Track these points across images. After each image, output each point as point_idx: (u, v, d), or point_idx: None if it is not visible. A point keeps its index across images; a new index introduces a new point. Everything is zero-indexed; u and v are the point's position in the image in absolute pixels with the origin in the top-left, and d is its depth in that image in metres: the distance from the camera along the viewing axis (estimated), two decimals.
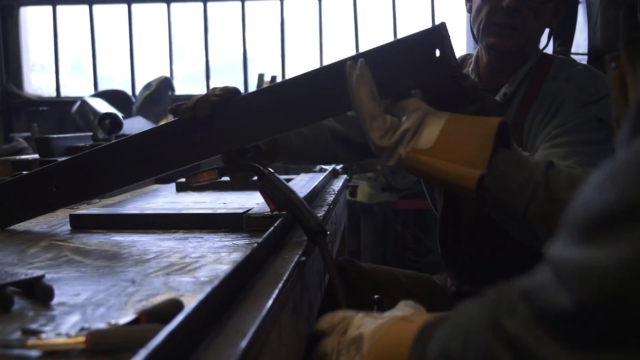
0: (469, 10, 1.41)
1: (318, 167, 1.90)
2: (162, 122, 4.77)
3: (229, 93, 1.00)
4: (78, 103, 4.21)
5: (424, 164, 0.88)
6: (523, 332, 0.42)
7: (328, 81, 0.96)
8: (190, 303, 0.50)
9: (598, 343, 0.39)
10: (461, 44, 4.11)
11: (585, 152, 1.18)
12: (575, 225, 0.41)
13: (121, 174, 1.07)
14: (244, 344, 0.49)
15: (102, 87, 4.77)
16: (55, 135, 1.61)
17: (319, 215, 1.15)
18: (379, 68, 0.92)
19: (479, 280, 1.36)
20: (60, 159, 1.50)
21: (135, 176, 1.08)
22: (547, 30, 1.44)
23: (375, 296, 1.33)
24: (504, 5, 1.27)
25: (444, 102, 0.96)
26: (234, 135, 1.01)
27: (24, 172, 1.37)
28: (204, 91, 4.90)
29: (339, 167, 1.93)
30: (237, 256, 0.84)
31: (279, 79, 4.01)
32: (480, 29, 1.34)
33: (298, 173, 1.72)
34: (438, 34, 0.92)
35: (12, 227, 1.11)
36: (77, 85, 5.33)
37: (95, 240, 0.98)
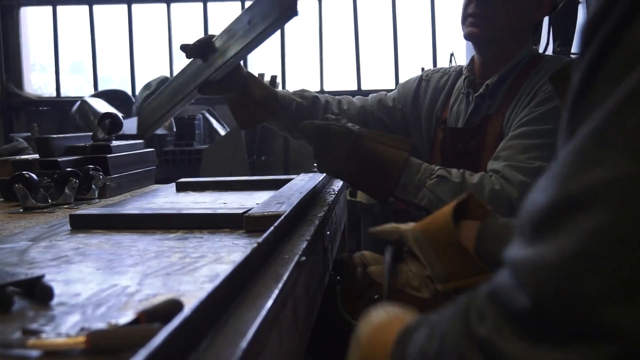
0: None
1: None
2: None
3: (205, 40, 1.40)
4: (78, 103, 4.21)
5: None
6: (493, 335, 0.43)
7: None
8: (190, 303, 0.50)
9: (560, 338, 0.39)
10: (461, 49, 4.10)
11: (545, 145, 1.25)
12: (525, 227, 0.43)
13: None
14: (244, 344, 0.49)
15: (102, 87, 4.77)
16: (55, 135, 1.61)
17: (318, 215, 1.15)
18: None
19: None
20: (60, 160, 1.50)
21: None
22: (545, 31, 1.49)
23: (375, 296, 1.34)
24: None
25: None
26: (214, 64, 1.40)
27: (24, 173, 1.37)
28: None
29: None
30: (237, 256, 0.84)
31: (279, 79, 4.01)
32: (461, 22, 1.42)
33: (298, 173, 1.72)
34: None
35: (11, 227, 1.11)
36: (77, 85, 5.33)
37: (95, 240, 0.98)
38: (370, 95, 1.66)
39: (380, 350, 0.66)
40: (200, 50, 1.40)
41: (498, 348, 0.43)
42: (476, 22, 1.38)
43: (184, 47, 1.42)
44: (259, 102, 1.48)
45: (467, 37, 1.41)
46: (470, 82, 1.47)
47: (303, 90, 1.60)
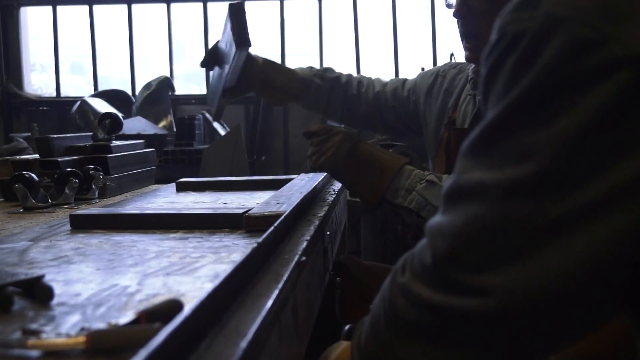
0: None
1: None
2: (162, 123, 4.75)
3: (211, 50, 1.57)
4: (78, 103, 4.21)
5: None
6: (408, 282, 0.58)
7: None
8: (190, 303, 0.50)
9: (451, 289, 0.53)
10: (461, 49, 4.10)
11: None
12: (441, 202, 0.57)
13: None
14: (244, 344, 0.49)
15: (102, 87, 4.77)
16: (55, 135, 1.61)
17: (319, 215, 1.15)
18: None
19: None
20: (60, 160, 1.50)
21: None
22: None
23: (370, 304, 1.35)
24: (453, 15, 1.32)
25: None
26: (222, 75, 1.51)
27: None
28: (204, 91, 4.91)
29: None
30: (237, 256, 0.84)
31: None
32: None
33: (298, 173, 1.72)
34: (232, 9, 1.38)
35: (11, 227, 1.11)
36: (77, 85, 5.33)
37: (95, 240, 0.98)
38: (390, 80, 1.68)
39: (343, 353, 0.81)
40: (211, 61, 1.53)
41: (412, 291, 0.57)
42: (469, 45, 1.35)
43: (201, 64, 1.58)
44: (281, 89, 1.57)
45: (466, 60, 1.42)
46: (474, 83, 1.46)
47: (325, 70, 1.64)
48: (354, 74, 1.68)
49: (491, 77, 0.54)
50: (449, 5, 1.40)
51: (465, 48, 1.37)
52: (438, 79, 1.58)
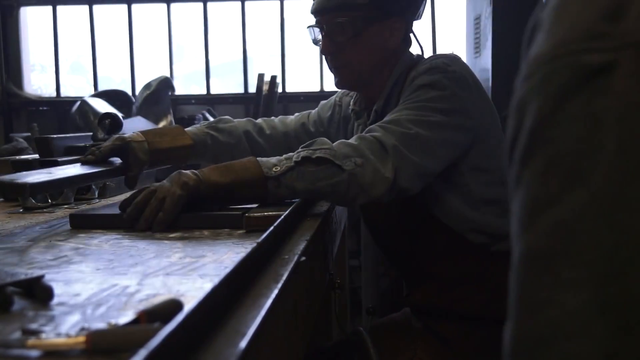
0: None
1: None
2: (162, 123, 4.77)
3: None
4: (78, 103, 4.20)
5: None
6: None
7: None
8: (190, 303, 0.50)
9: None
10: (461, 49, 4.10)
11: (425, 120, 1.22)
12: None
13: None
14: (244, 344, 0.49)
15: (102, 87, 4.76)
16: (55, 135, 1.61)
17: (318, 215, 1.15)
18: None
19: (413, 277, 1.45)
20: (60, 159, 1.50)
21: None
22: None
23: (370, 306, 1.37)
24: (322, 53, 1.41)
25: None
26: None
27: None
28: (204, 91, 4.91)
29: None
30: (237, 256, 0.84)
31: (279, 79, 4.01)
32: None
33: None
34: None
35: (11, 227, 1.11)
36: (77, 85, 5.33)
37: (95, 240, 0.98)
38: (295, 116, 1.62)
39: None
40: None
41: None
42: (337, 73, 1.40)
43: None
44: (169, 148, 1.40)
45: (338, 87, 1.44)
46: (355, 113, 1.47)
47: (218, 121, 1.54)
48: (251, 119, 1.58)
49: None
50: (315, 42, 1.43)
51: (336, 77, 1.41)
52: (336, 108, 1.58)
